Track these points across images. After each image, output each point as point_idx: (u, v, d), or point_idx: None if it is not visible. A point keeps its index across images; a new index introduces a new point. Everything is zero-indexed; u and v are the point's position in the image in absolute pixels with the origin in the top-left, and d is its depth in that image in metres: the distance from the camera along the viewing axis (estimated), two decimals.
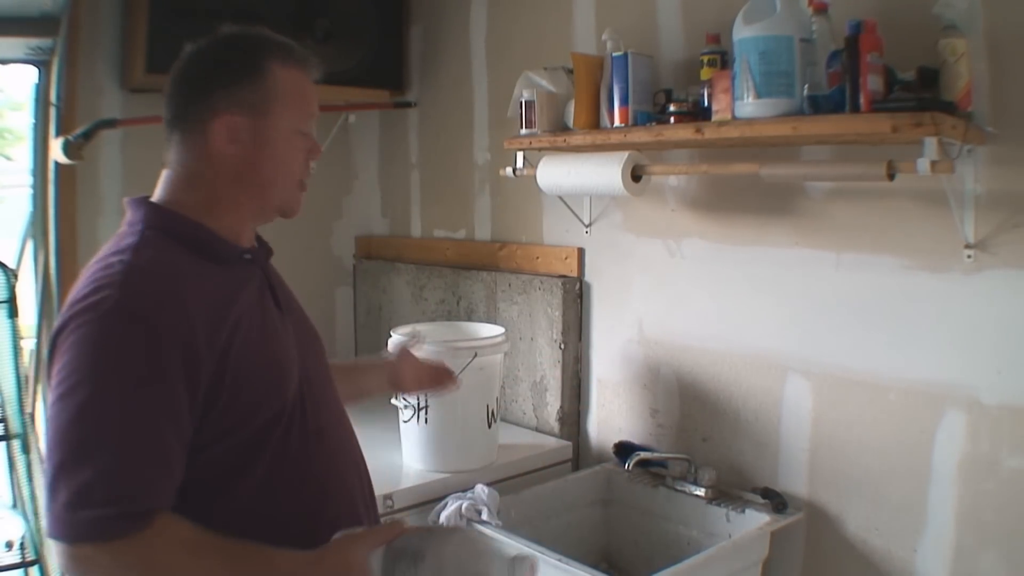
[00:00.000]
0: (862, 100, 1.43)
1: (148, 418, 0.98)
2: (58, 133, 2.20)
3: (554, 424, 2.24)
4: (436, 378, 1.72)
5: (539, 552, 1.60)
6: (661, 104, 1.84)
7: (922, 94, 1.42)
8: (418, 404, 1.97)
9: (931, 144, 1.38)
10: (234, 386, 1.06)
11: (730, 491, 1.85)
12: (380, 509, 1.47)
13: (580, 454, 2.24)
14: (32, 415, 2.18)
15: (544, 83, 2.00)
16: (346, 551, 1.06)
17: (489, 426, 2.04)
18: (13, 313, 2.13)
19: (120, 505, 0.94)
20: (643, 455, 1.90)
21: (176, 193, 1.15)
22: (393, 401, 2.02)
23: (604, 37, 1.88)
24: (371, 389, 1.66)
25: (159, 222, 1.12)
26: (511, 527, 1.76)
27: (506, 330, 2.17)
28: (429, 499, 1.87)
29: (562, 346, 2.21)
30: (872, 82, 1.43)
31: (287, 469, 1.14)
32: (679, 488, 1.89)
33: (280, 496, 1.13)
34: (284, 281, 1.32)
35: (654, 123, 1.81)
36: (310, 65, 1.20)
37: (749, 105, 1.54)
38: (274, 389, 1.13)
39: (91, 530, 0.94)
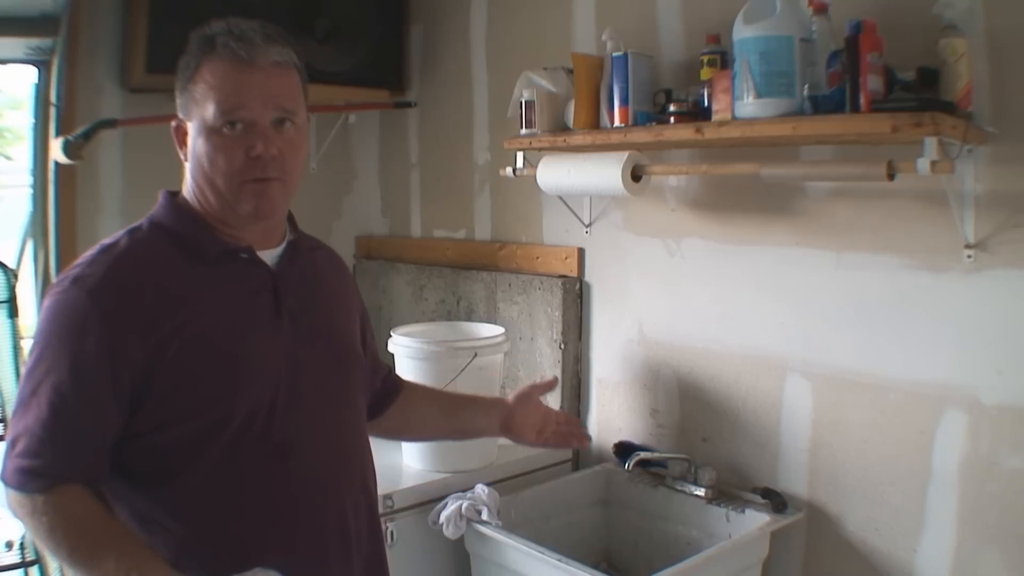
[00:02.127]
0: (862, 100, 1.43)
1: (69, 394, 1.06)
2: (58, 133, 2.20)
3: None
4: (563, 434, 1.55)
5: (539, 552, 1.61)
6: (661, 104, 1.84)
7: (922, 94, 1.42)
8: None
9: (931, 144, 1.37)
10: (168, 381, 1.09)
11: (730, 491, 1.85)
12: (380, 509, 1.44)
13: (580, 454, 2.23)
14: None
15: (544, 83, 2.00)
16: None
17: None
18: (13, 313, 2.12)
19: (32, 462, 1.05)
20: (643, 455, 1.90)
21: (187, 189, 1.21)
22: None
23: (604, 37, 1.88)
24: (479, 429, 1.56)
25: (162, 216, 1.19)
26: (511, 527, 1.76)
27: (506, 330, 2.17)
28: (429, 499, 1.87)
29: (562, 346, 2.21)
30: (872, 82, 1.43)
31: (231, 481, 1.12)
32: (679, 488, 1.89)
33: (222, 507, 1.12)
34: (320, 286, 1.29)
35: (654, 123, 1.81)
36: (237, 51, 1.12)
37: (749, 105, 1.54)
38: (218, 392, 1.12)
39: (11, 476, 1.07)
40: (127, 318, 1.08)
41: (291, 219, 1.30)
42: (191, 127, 1.15)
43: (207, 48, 1.14)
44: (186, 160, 1.19)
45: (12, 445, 1.07)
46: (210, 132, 1.13)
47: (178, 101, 1.18)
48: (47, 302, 1.11)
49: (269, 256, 1.23)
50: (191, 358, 1.10)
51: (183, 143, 1.19)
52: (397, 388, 1.52)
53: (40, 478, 1.05)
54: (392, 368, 1.54)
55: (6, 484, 1.08)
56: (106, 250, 1.13)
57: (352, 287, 1.46)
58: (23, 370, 1.11)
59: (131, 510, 1.12)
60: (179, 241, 1.17)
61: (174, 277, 1.14)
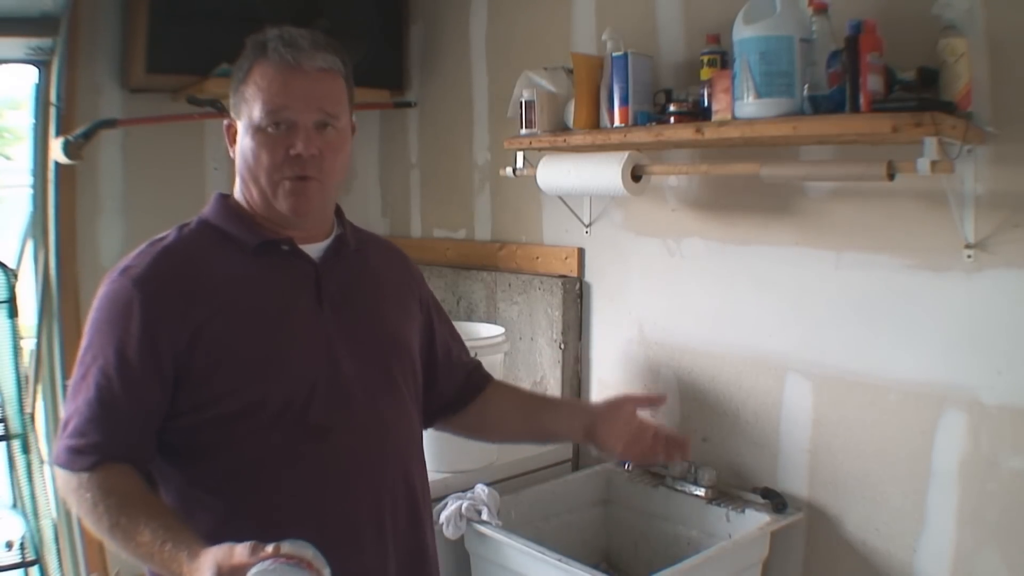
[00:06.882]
0: (862, 100, 1.43)
1: (114, 376, 1.11)
2: (58, 133, 2.20)
3: None
4: (658, 449, 1.39)
5: (539, 552, 1.61)
6: (661, 104, 1.84)
7: (922, 94, 1.42)
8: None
9: (931, 144, 1.38)
10: (206, 364, 1.13)
11: (730, 491, 1.85)
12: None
13: (580, 454, 2.23)
14: (32, 415, 2.18)
15: (544, 83, 2.00)
16: (194, 564, 0.97)
17: None
18: (13, 313, 2.13)
19: (78, 441, 1.10)
20: None
21: (236, 188, 1.28)
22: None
23: (604, 37, 1.88)
24: (559, 433, 1.51)
25: (209, 214, 1.26)
26: (511, 527, 1.76)
27: (506, 330, 2.17)
28: None
29: (562, 346, 2.21)
30: (872, 82, 1.43)
31: (266, 462, 1.16)
32: (679, 488, 1.89)
33: (257, 485, 1.15)
34: (367, 279, 1.31)
35: (654, 123, 1.81)
36: (285, 55, 1.17)
37: (749, 105, 1.54)
38: (254, 377, 1.15)
39: (59, 455, 1.12)
40: (168, 304, 1.14)
41: (340, 214, 1.33)
42: (240, 126, 1.21)
43: (259, 52, 1.19)
44: (235, 157, 1.25)
45: (64, 427, 1.13)
46: (256, 130, 1.18)
47: (231, 101, 1.23)
48: (99, 292, 1.17)
49: (315, 249, 1.26)
50: (228, 343, 1.15)
51: (233, 141, 1.24)
52: (482, 384, 1.50)
53: (85, 456, 1.09)
54: (480, 364, 1.52)
55: (55, 463, 1.12)
56: (154, 243, 1.20)
57: (415, 282, 1.45)
58: (77, 357, 1.17)
59: (175, 487, 1.17)
60: (224, 235, 1.22)
61: (216, 267, 1.19)
